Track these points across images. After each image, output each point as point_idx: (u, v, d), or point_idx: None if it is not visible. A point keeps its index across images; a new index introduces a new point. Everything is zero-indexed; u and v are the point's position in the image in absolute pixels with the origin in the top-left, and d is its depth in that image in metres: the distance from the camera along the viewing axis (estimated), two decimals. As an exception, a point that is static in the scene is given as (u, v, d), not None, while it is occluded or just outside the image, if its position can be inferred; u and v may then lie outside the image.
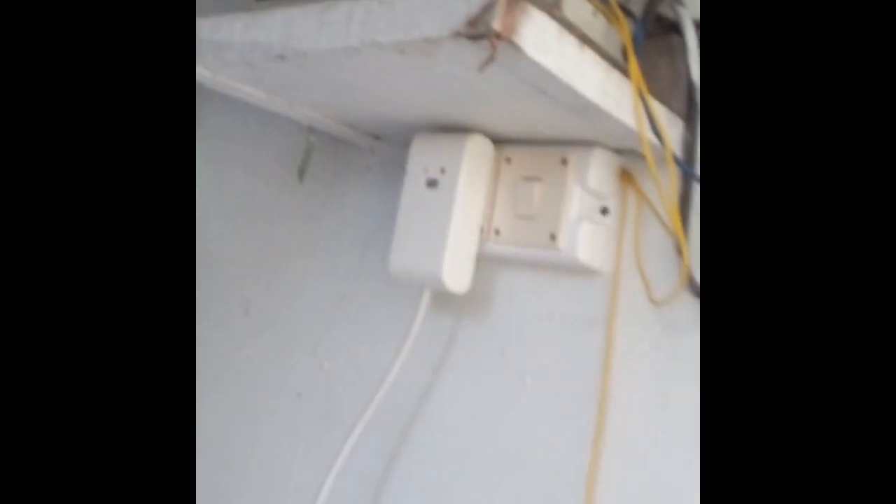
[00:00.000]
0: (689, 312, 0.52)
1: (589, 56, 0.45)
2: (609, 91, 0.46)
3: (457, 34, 0.40)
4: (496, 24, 0.39)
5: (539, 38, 0.41)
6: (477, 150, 0.57)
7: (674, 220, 0.50)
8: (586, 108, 0.47)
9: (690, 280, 0.50)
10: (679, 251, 0.51)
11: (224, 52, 0.51)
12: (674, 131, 0.52)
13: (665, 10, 0.53)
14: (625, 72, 0.47)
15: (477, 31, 0.39)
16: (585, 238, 0.55)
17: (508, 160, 0.59)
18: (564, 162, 0.56)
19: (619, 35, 0.47)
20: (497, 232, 0.58)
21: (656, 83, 0.52)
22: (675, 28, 0.52)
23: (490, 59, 0.41)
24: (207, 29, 0.51)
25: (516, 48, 0.40)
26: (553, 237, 0.55)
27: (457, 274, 0.57)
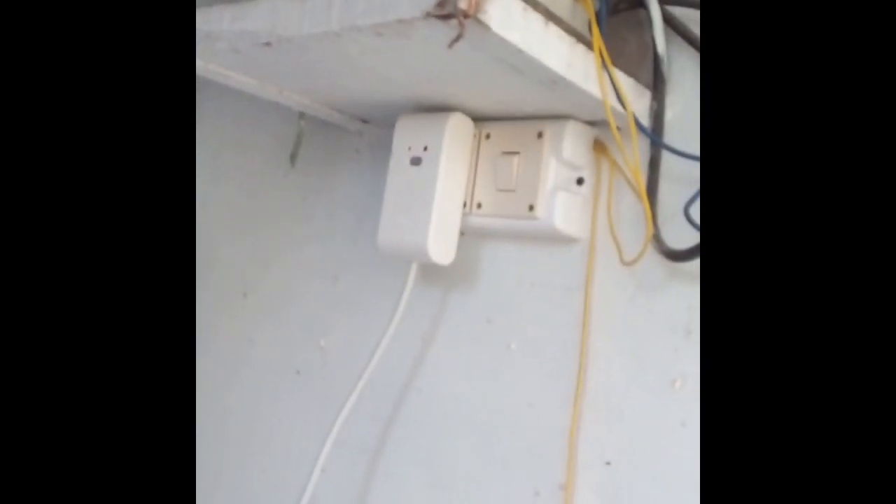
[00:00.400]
0: (659, 272, 0.54)
1: (554, 31, 0.47)
2: (575, 64, 0.49)
3: (427, 14, 0.43)
4: (463, 4, 0.42)
5: (504, 16, 0.43)
6: (458, 128, 0.60)
7: (638, 182, 0.53)
8: (555, 82, 0.50)
9: (657, 240, 0.53)
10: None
11: (214, 42, 0.54)
12: (641, 101, 0.55)
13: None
14: (590, 45, 0.50)
15: (445, 10, 0.42)
16: (562, 207, 0.58)
17: (488, 136, 0.61)
18: (540, 136, 0.58)
19: (585, 11, 0.50)
20: (479, 205, 0.61)
21: (625, 57, 0.55)
22: (641, 3, 0.55)
23: (459, 37, 0.44)
24: (199, 20, 0.54)
25: (483, 26, 0.43)
26: (532, 208, 0.58)
27: (442, 246, 0.59)
